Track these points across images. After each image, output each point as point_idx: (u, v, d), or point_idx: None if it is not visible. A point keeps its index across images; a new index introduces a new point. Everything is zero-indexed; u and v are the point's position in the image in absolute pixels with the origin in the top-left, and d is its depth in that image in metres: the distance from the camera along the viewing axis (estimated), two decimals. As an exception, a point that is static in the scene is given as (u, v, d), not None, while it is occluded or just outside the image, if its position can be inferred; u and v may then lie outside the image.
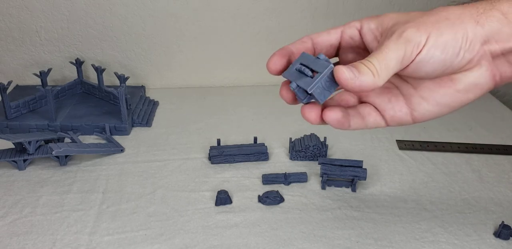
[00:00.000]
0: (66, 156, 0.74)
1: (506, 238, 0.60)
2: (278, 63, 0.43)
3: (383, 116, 0.46)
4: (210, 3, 0.95)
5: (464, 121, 0.90)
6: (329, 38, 0.46)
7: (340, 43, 0.46)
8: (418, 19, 0.41)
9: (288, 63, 0.43)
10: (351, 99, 0.48)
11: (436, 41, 0.39)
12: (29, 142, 0.72)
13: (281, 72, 0.44)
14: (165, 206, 0.66)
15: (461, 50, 0.40)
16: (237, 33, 0.99)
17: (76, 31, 0.96)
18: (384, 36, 0.42)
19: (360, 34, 0.45)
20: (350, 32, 0.45)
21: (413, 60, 0.40)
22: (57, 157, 0.74)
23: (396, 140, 0.83)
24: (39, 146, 0.75)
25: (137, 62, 1.00)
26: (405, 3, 0.98)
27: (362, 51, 0.46)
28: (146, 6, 0.94)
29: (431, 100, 0.44)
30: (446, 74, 0.42)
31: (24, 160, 0.73)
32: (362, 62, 0.40)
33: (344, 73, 0.38)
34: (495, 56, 0.42)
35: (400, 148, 0.81)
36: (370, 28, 0.44)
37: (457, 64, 0.41)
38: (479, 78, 0.42)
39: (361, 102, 0.47)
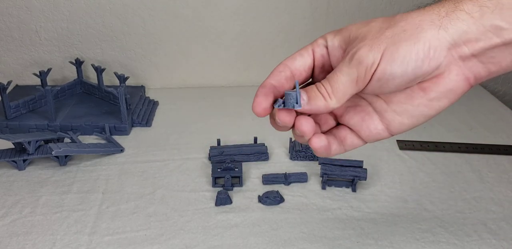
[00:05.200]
0: (66, 156, 0.74)
1: None
2: (264, 103, 0.43)
3: (359, 136, 0.45)
4: (210, 3, 0.95)
5: (464, 121, 0.90)
6: (304, 61, 0.44)
7: (314, 63, 0.45)
8: (374, 35, 0.39)
9: (274, 98, 0.43)
10: (330, 121, 0.47)
11: (392, 57, 0.38)
12: (29, 142, 0.72)
13: (268, 112, 0.44)
14: (165, 206, 0.66)
15: (424, 60, 0.38)
16: (237, 33, 0.99)
17: (76, 31, 0.96)
18: (346, 54, 0.41)
19: (328, 52, 0.44)
20: (320, 51, 0.44)
21: (370, 80, 0.39)
22: (57, 157, 0.74)
23: (397, 140, 0.83)
24: (39, 146, 0.74)
25: (137, 62, 1.00)
26: (405, 3, 0.98)
27: (332, 69, 0.44)
28: (146, 6, 0.94)
29: (405, 114, 0.43)
30: (416, 83, 0.41)
31: (24, 160, 0.73)
32: (315, 85, 0.40)
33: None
34: (465, 59, 0.39)
35: (401, 148, 0.81)
36: (334, 47, 0.43)
37: (423, 74, 0.39)
38: (451, 84, 0.40)
39: (338, 123, 0.47)
